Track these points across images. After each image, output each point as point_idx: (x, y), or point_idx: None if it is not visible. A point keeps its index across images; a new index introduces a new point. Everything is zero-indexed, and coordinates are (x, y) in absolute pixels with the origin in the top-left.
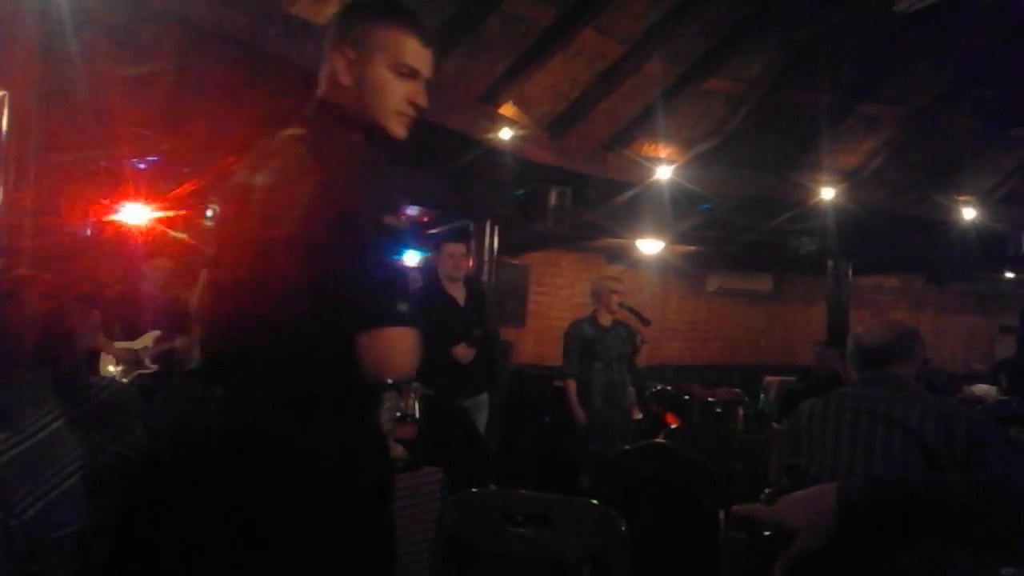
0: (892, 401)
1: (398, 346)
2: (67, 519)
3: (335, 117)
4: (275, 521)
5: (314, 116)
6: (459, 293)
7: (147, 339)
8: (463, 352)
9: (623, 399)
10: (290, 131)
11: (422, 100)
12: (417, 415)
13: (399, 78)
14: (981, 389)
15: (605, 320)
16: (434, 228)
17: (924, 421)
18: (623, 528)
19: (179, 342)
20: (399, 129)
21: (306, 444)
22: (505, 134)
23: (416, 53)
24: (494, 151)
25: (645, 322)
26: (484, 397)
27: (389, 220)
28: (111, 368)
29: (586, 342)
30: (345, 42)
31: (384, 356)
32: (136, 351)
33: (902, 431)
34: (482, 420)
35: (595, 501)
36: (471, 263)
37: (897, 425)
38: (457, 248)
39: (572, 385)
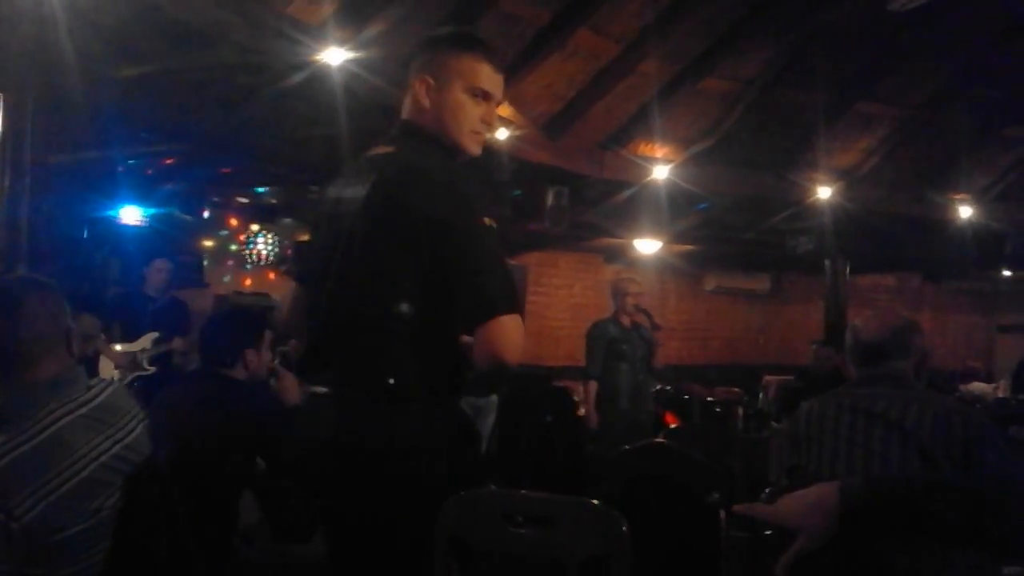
0: (890, 400)
1: (515, 332)
2: (68, 522)
3: (419, 137)
4: (395, 499)
5: (400, 136)
6: None
7: (145, 341)
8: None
9: (648, 399)
10: (379, 150)
11: (494, 120)
12: None
13: (473, 100)
14: (978, 387)
15: (626, 321)
16: None
17: (922, 420)
18: (624, 528)
19: (177, 344)
20: (474, 147)
21: (412, 429)
22: (501, 134)
23: (489, 78)
24: (490, 151)
25: (655, 327)
26: (494, 399)
27: (487, 220)
28: (113, 371)
29: (612, 342)
30: (426, 70)
31: (504, 342)
32: (135, 353)
33: (900, 432)
34: (490, 422)
35: (595, 501)
36: None
37: (895, 426)
38: None
39: (594, 387)
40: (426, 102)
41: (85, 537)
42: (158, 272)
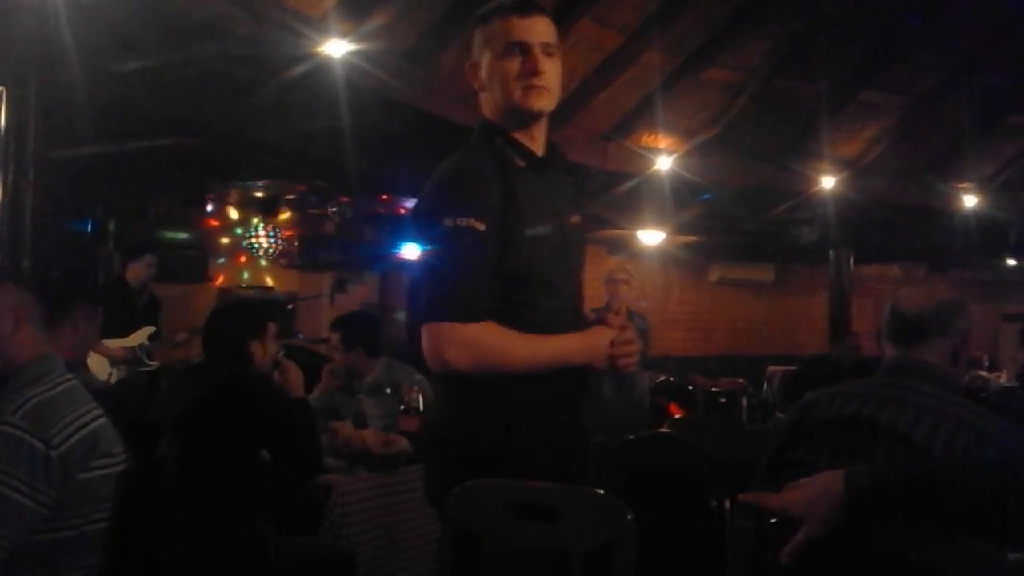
0: (902, 408)
1: (437, 340)
2: (90, 462)
3: (481, 130)
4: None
5: (472, 136)
6: None
7: (141, 336)
8: None
9: (632, 391)
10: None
11: (539, 65)
12: (421, 408)
13: (508, 59)
14: (981, 376)
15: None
16: None
17: (933, 438)
18: (630, 518)
19: (179, 338)
20: (530, 101)
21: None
22: None
23: (518, 28)
24: None
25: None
26: None
27: (461, 222)
28: (109, 369)
29: None
30: (470, 67)
31: (427, 347)
32: (133, 348)
33: (906, 446)
34: None
35: (601, 491)
36: None
37: (901, 440)
38: None
39: None
40: (476, 85)
41: (103, 484)
42: (146, 267)
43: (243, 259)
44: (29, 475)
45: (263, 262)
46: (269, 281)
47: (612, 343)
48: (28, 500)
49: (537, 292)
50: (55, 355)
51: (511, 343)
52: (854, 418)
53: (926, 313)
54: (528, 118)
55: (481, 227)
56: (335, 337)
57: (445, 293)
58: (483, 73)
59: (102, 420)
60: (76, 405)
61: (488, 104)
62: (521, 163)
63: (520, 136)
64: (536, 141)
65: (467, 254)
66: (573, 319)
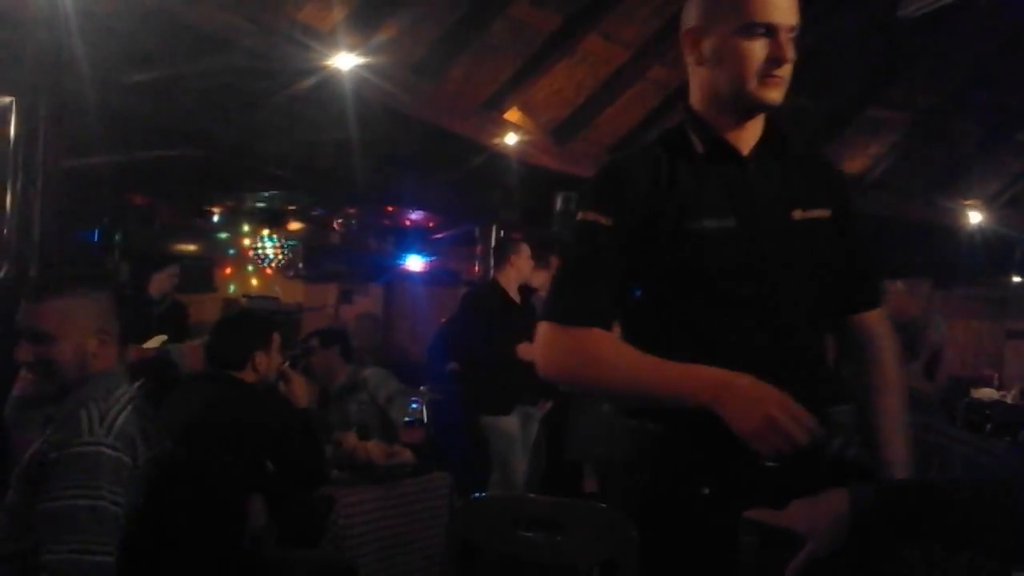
0: None
1: (542, 341)
2: (134, 448)
3: (680, 122)
4: None
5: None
6: (516, 295)
7: (153, 344)
8: (530, 351)
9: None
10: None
11: (781, 52)
12: (425, 420)
13: (749, 39)
14: (987, 393)
15: None
16: (439, 233)
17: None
18: (634, 533)
19: (184, 348)
20: (770, 93)
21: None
22: (510, 139)
23: (759, 4)
24: (499, 156)
25: None
26: (534, 410)
27: (590, 216)
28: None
29: None
30: (688, 33)
31: (536, 350)
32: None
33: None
34: (530, 434)
35: (604, 505)
36: (476, 268)
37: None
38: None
39: None
40: (691, 58)
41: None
42: (170, 277)
43: (249, 270)
44: (126, 492)
45: (269, 272)
46: (274, 292)
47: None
48: (122, 513)
49: (705, 296)
50: (122, 367)
51: (613, 358)
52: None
53: None
54: (755, 109)
55: (607, 222)
56: (313, 340)
57: (557, 291)
58: (707, 47)
59: (164, 438)
60: (146, 420)
61: (703, 82)
62: (699, 150)
63: (727, 123)
64: (747, 131)
65: (587, 251)
66: (771, 339)
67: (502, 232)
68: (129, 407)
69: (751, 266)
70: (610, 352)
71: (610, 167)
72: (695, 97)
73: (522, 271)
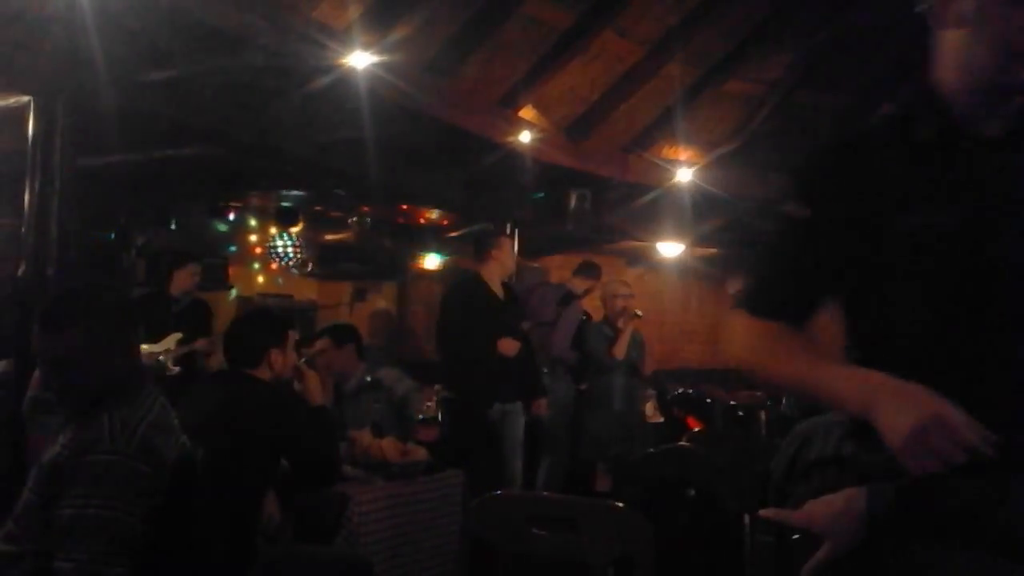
0: None
1: (729, 330)
2: (156, 455)
3: (910, 98)
4: None
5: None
6: (499, 289)
7: (169, 342)
8: (511, 346)
9: (638, 402)
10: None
11: None
12: (439, 418)
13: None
14: None
15: (620, 324)
16: (454, 231)
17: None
18: (649, 532)
19: (200, 344)
20: None
21: None
22: (525, 137)
23: None
24: (514, 154)
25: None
26: (514, 407)
27: (790, 209)
28: None
29: (609, 344)
30: None
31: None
32: (158, 354)
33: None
34: (519, 425)
35: (620, 504)
36: None
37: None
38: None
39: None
40: (949, 16)
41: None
42: (191, 276)
43: (264, 267)
44: (143, 503)
45: (283, 270)
46: (289, 290)
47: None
48: (138, 523)
49: (918, 302)
50: (141, 365)
51: (786, 354)
52: (854, 461)
53: None
54: (1018, 88)
55: (807, 215)
56: (325, 341)
57: (750, 281)
58: (968, 3)
59: (184, 437)
60: (170, 425)
61: (954, 50)
62: (930, 135)
63: (976, 104)
64: (997, 115)
65: (782, 244)
66: (993, 353)
67: (516, 230)
68: (153, 412)
69: (978, 270)
70: (785, 348)
71: (820, 154)
72: (940, 69)
73: (505, 265)
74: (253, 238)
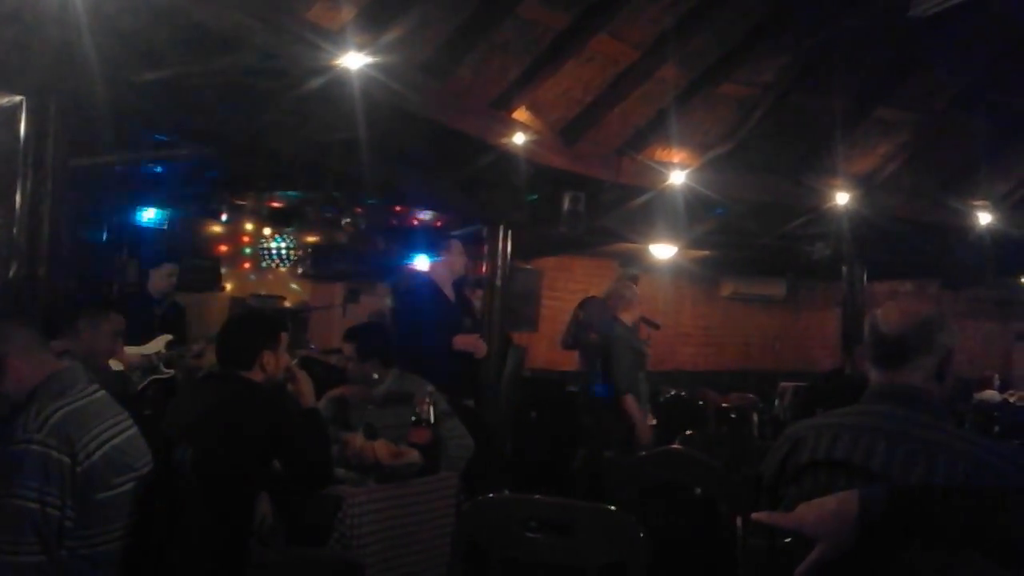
0: (892, 449)
1: None
2: (117, 478)
3: None
4: None
5: None
6: (449, 291)
7: (159, 343)
8: (471, 342)
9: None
10: None
11: None
12: (432, 420)
13: None
14: (990, 395)
15: (642, 330)
16: (447, 232)
17: (929, 478)
18: (641, 535)
19: (195, 348)
20: None
21: None
22: (518, 139)
23: None
24: (507, 156)
25: (655, 326)
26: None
27: None
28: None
29: (639, 354)
30: None
31: None
32: (149, 356)
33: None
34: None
35: (612, 507)
36: (483, 267)
37: (876, 479)
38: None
39: (633, 401)
40: None
41: (116, 504)
42: (168, 276)
43: (257, 269)
44: (60, 491)
45: (277, 271)
46: (282, 291)
47: None
48: (62, 516)
49: None
50: (77, 367)
51: None
52: (846, 464)
53: (907, 333)
54: None
55: None
56: (349, 347)
57: None
58: None
59: (131, 431)
60: (103, 417)
61: None
62: None
63: None
64: None
65: None
66: None
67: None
68: (75, 404)
69: None
70: None
71: None
72: None
73: (454, 267)
74: (246, 239)
